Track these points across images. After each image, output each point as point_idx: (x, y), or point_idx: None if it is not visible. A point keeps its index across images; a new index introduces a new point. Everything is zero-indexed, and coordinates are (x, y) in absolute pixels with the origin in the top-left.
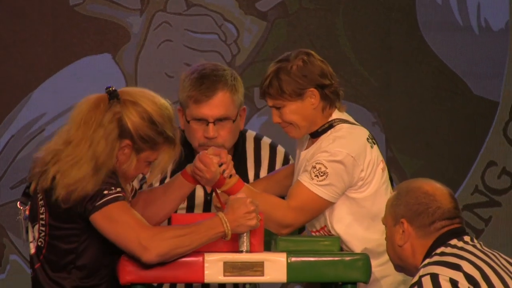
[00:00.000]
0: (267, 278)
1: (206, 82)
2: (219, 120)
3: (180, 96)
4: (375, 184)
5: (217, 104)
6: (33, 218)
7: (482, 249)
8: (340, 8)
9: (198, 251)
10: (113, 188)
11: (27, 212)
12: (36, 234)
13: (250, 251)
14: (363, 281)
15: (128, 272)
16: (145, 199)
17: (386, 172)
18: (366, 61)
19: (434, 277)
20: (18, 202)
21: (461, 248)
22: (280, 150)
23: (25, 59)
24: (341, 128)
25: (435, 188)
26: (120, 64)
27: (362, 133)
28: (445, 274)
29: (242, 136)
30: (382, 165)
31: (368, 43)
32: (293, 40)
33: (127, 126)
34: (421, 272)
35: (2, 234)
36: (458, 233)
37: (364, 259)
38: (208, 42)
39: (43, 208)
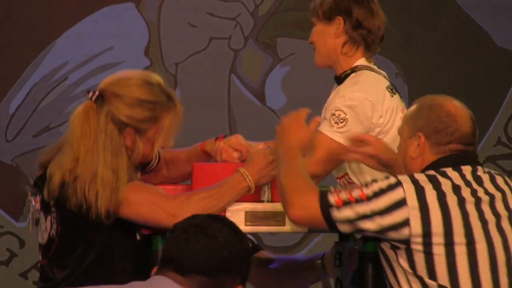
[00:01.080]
0: (288, 228)
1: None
2: None
3: None
4: (394, 132)
5: None
6: (45, 208)
7: (482, 186)
8: None
9: None
10: None
11: (37, 204)
12: (48, 226)
13: (271, 200)
14: None
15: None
16: (168, 160)
17: None
18: (388, 13)
19: (398, 184)
20: (29, 193)
21: (450, 178)
22: None
23: (48, 8)
24: (362, 74)
25: (458, 109)
26: (143, 13)
27: (382, 81)
28: (407, 185)
29: None
30: (401, 114)
31: None
32: None
33: (122, 120)
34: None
35: (24, 182)
36: (469, 158)
37: None
38: None
39: (54, 207)
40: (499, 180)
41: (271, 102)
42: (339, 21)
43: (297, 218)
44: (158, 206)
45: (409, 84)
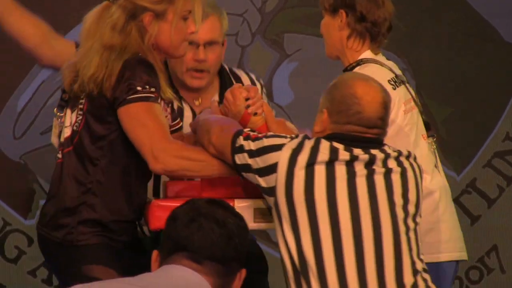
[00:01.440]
0: None
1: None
2: (208, 44)
3: None
4: (397, 124)
5: (208, 28)
6: (72, 104)
7: (369, 172)
8: None
9: (229, 197)
10: (147, 86)
11: (62, 118)
12: (74, 119)
13: None
14: None
15: (157, 218)
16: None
17: (411, 114)
18: (395, 7)
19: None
20: (55, 109)
21: (336, 160)
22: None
23: (56, 7)
24: (365, 67)
25: (366, 93)
26: None
27: (384, 74)
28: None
29: (223, 67)
30: (404, 107)
31: None
32: None
33: (138, 2)
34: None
35: (32, 180)
36: (362, 141)
37: None
38: None
39: (82, 99)
40: (395, 160)
41: (278, 98)
42: (342, 14)
43: (214, 143)
44: (150, 138)
45: (417, 79)
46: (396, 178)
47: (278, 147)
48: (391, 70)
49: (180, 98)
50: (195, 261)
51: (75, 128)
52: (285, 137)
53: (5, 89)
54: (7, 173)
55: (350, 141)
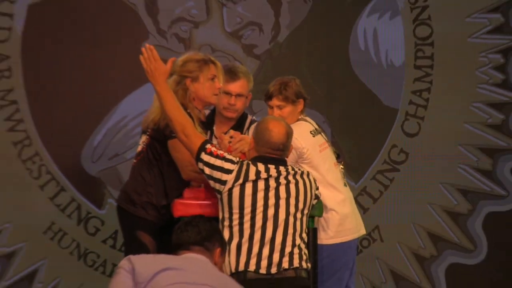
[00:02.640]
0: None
1: (234, 71)
2: (238, 95)
3: None
4: (315, 159)
5: (239, 86)
6: (144, 132)
7: (277, 181)
8: (303, 52)
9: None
10: None
11: (140, 140)
12: (144, 140)
13: None
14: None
15: (178, 210)
16: None
17: (325, 151)
18: (319, 81)
19: (234, 162)
20: (141, 136)
21: (258, 173)
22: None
23: (125, 63)
24: (299, 123)
25: (276, 126)
26: None
27: (308, 126)
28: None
29: (244, 114)
30: (319, 148)
31: (318, 71)
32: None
33: (182, 74)
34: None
35: (103, 186)
36: (269, 160)
37: (320, 202)
38: None
39: (149, 129)
40: (292, 176)
41: None
42: (301, 102)
43: (180, 140)
44: (179, 161)
45: (332, 127)
46: (292, 187)
47: (228, 171)
48: (312, 124)
49: (212, 131)
50: (187, 249)
51: (144, 145)
52: (234, 163)
53: (87, 133)
54: (89, 182)
55: (266, 160)
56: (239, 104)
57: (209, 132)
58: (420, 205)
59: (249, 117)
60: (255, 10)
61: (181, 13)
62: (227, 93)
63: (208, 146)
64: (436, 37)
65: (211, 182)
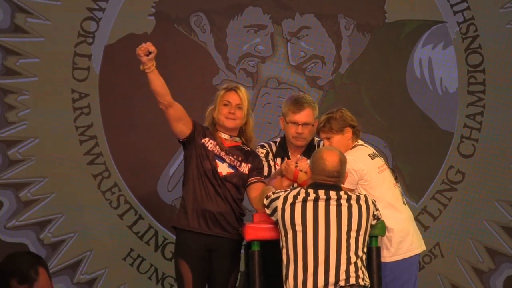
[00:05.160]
0: None
1: (300, 102)
2: (305, 124)
3: (283, 110)
4: (374, 180)
5: (305, 115)
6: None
7: (323, 207)
8: (363, 82)
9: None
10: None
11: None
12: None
13: None
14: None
15: (249, 234)
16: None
17: (384, 173)
18: (379, 109)
19: (276, 199)
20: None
21: (306, 197)
22: None
23: (197, 96)
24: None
25: (329, 155)
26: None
27: (367, 150)
28: (279, 199)
29: (313, 139)
30: (378, 170)
31: (378, 99)
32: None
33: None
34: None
35: (175, 211)
36: (321, 186)
37: (382, 222)
38: None
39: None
40: (345, 200)
41: None
42: (349, 130)
43: (263, 200)
44: None
45: (392, 151)
46: (344, 209)
47: (276, 198)
48: (369, 148)
49: (289, 158)
50: None
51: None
52: (281, 192)
53: (162, 163)
54: (165, 210)
55: (317, 186)
56: (306, 132)
57: (285, 158)
58: (477, 221)
59: (315, 139)
60: (317, 44)
61: (249, 49)
62: (294, 123)
63: (269, 194)
64: (487, 64)
65: (272, 217)
